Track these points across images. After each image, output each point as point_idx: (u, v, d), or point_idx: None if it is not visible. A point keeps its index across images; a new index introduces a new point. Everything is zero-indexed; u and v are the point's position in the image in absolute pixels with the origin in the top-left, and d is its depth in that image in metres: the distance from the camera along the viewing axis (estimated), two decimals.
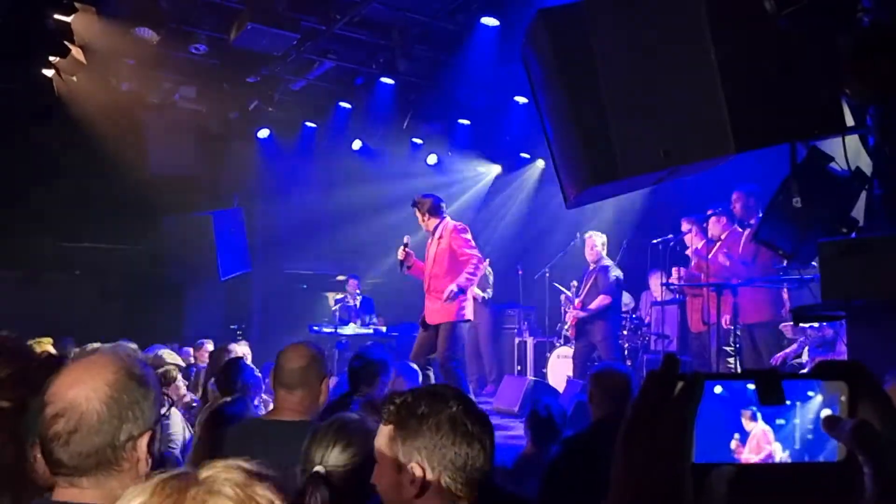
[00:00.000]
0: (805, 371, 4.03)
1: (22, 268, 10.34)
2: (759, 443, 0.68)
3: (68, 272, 10.81)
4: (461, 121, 10.43)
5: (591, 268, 7.96)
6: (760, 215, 6.03)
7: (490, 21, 7.58)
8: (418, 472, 1.52)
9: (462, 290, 6.13)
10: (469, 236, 6.38)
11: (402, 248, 6.42)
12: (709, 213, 6.88)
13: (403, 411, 1.57)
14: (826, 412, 0.68)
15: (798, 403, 0.68)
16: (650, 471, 0.65)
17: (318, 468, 1.81)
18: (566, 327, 8.49)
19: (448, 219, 6.45)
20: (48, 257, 10.46)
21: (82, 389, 1.34)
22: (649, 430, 0.66)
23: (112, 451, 1.34)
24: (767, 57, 3.25)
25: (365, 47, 8.81)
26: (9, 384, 1.61)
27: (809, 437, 0.68)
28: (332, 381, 4.85)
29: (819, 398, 0.68)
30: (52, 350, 5.68)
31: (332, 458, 1.82)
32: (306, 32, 8.06)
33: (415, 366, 4.91)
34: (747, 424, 0.68)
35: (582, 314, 7.82)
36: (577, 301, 7.99)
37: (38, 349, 5.51)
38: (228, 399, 3.98)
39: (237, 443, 2.60)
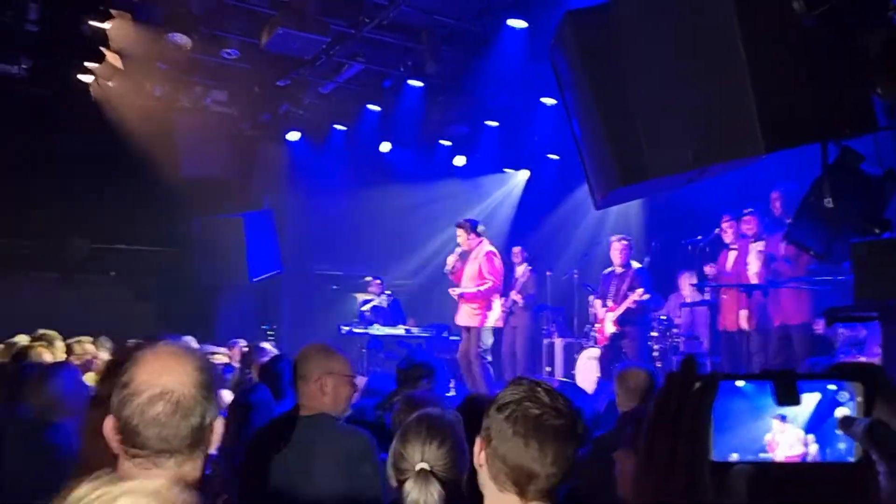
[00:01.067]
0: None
1: (59, 269, 10.56)
2: (788, 442, 0.70)
3: (103, 273, 11.00)
4: (489, 122, 10.41)
5: (617, 271, 7.86)
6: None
7: (517, 23, 7.57)
8: (476, 448, 1.62)
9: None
10: (496, 262, 7.40)
11: (453, 255, 7.55)
12: (745, 211, 6.79)
13: (502, 391, 1.64)
14: (843, 411, 0.69)
15: (821, 403, 0.70)
16: (670, 470, 0.67)
17: (422, 465, 1.85)
18: (595, 328, 8.43)
19: (485, 242, 7.48)
20: (84, 259, 10.67)
21: (176, 375, 1.41)
22: (669, 431, 0.68)
23: (201, 432, 1.42)
24: (797, 56, 3.23)
25: (393, 50, 8.86)
26: None
27: (832, 436, 0.70)
28: (361, 380, 4.92)
29: (839, 398, 0.70)
30: (93, 348, 5.82)
31: (432, 455, 1.87)
32: (335, 36, 8.12)
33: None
34: (777, 424, 0.70)
35: (631, 305, 7.57)
36: (610, 303, 7.86)
37: (77, 349, 5.64)
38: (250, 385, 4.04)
39: (265, 443, 2.73)
